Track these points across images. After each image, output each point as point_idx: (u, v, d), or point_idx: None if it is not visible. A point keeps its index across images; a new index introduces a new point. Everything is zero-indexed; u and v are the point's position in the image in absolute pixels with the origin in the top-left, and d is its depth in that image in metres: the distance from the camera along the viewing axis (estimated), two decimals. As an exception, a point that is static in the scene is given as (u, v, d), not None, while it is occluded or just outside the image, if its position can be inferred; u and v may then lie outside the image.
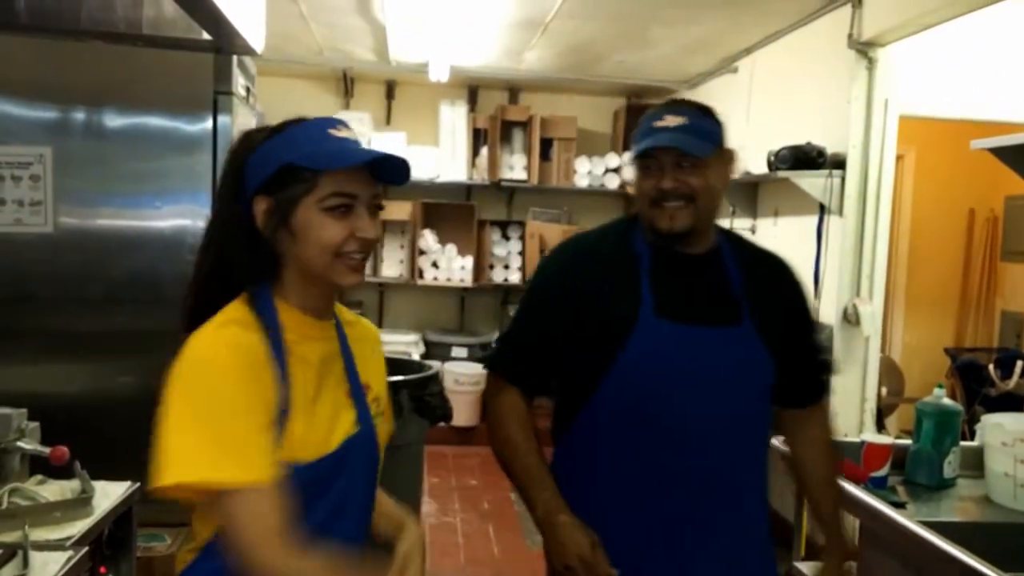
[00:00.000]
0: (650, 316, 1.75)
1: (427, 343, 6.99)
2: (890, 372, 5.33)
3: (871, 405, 4.19)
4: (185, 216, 2.98)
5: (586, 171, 7.10)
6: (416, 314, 7.35)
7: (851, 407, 4.17)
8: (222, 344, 1.30)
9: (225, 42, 2.92)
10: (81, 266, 2.93)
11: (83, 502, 2.04)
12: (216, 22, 2.69)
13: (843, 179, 4.17)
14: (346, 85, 7.09)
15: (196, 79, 2.97)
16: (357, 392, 1.44)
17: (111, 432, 2.88)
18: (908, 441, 2.65)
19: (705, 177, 1.73)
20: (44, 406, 2.32)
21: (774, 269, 1.96)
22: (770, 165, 4.38)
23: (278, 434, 1.28)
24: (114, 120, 2.92)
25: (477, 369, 6.43)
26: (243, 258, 1.37)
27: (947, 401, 2.58)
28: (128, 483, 2.24)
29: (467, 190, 7.28)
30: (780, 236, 4.85)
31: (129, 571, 2.28)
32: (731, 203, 5.22)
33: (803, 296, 1.98)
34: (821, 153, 4.21)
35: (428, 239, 7.01)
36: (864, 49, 4.09)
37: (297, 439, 1.30)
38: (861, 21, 4.09)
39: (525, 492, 1.82)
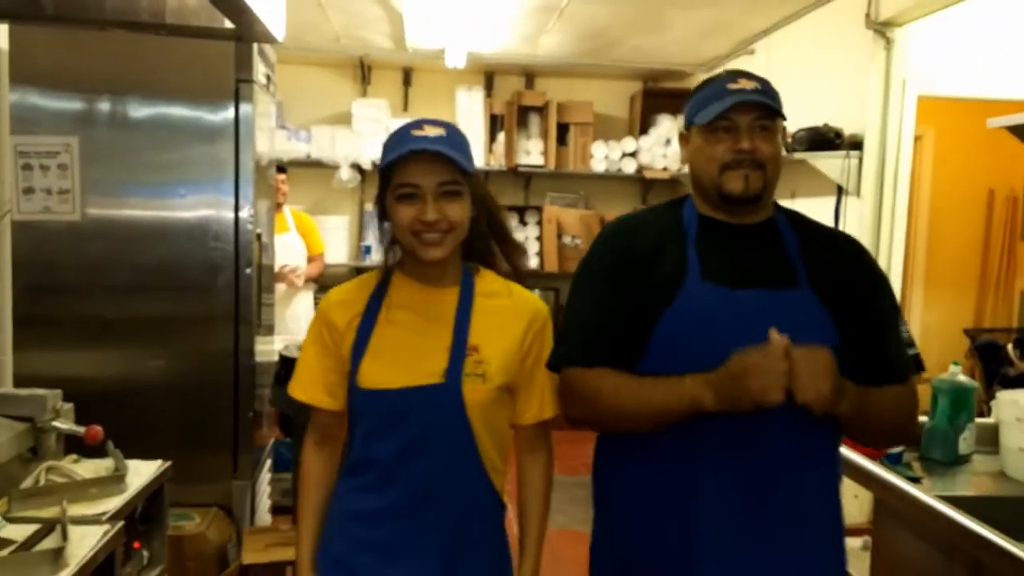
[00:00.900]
0: (696, 280, 1.68)
1: (447, 327, 7.05)
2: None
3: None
4: (209, 204, 3.03)
5: (603, 156, 7.11)
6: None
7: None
8: (323, 302, 1.77)
9: (246, 30, 2.96)
10: (109, 254, 2.99)
11: (117, 479, 2.10)
12: (238, 10, 2.73)
13: (860, 160, 4.18)
14: (363, 72, 7.13)
15: (218, 67, 3.02)
16: (456, 349, 1.66)
17: (141, 414, 2.98)
18: (924, 419, 2.68)
19: (775, 144, 1.71)
20: (76, 390, 2.39)
21: (835, 237, 1.87)
22: (787, 147, 4.40)
23: (355, 365, 1.67)
24: (138, 109, 2.98)
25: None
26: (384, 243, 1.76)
27: (962, 378, 2.61)
28: (159, 461, 2.31)
29: (484, 176, 7.31)
30: (797, 218, 4.86)
31: (161, 546, 2.35)
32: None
33: (873, 269, 1.82)
34: (838, 134, 4.22)
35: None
36: (881, 29, 4.10)
37: (367, 370, 1.66)
38: (878, 1, 4.09)
39: (667, 399, 1.63)
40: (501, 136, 7.01)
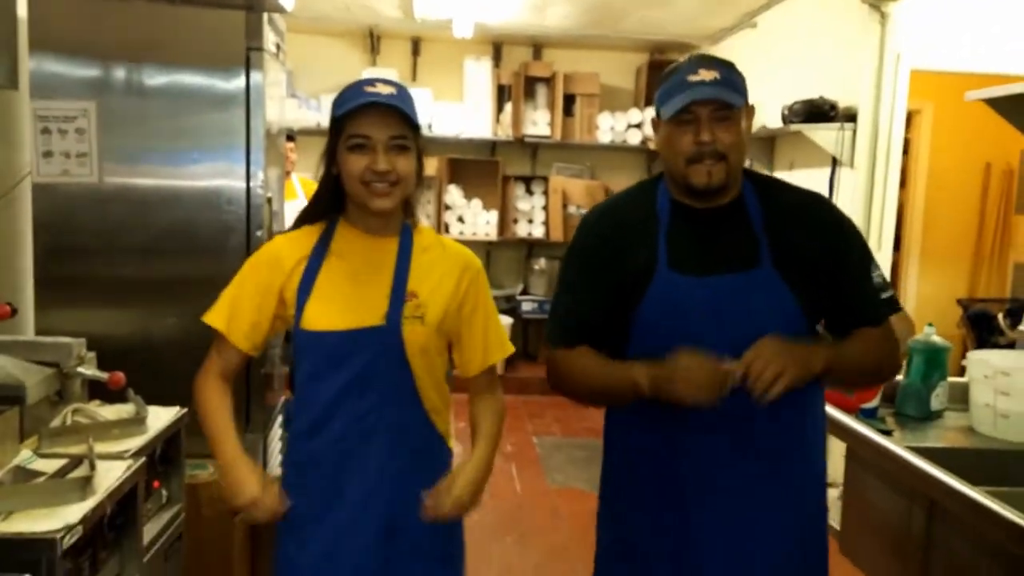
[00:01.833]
0: (664, 270, 1.80)
1: (453, 295, 7.18)
2: (902, 322, 5.46)
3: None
4: (221, 170, 3.14)
5: (608, 127, 7.22)
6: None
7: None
8: (268, 244, 1.88)
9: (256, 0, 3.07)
10: (125, 216, 3.09)
11: (138, 421, 2.26)
12: (249, -20, 2.82)
13: (855, 132, 4.29)
14: (372, 42, 7.23)
15: (229, 36, 3.10)
16: (396, 293, 1.77)
17: (158, 371, 3.09)
18: (900, 377, 2.81)
19: (737, 132, 1.76)
20: (95, 347, 2.52)
21: (803, 206, 1.91)
22: (784, 119, 4.50)
23: (299, 308, 1.76)
24: (153, 77, 3.07)
25: (503, 320, 6.63)
26: (324, 194, 1.85)
27: (936, 339, 2.74)
28: (177, 408, 2.46)
29: (492, 146, 7.43)
30: (794, 188, 4.97)
31: (179, 488, 2.51)
32: (749, 156, 5.34)
33: (840, 228, 1.90)
34: (833, 107, 4.33)
35: (453, 194, 7.18)
36: (876, 4, 4.19)
37: (312, 313, 1.76)
38: (874, -25, 4.18)
39: (619, 381, 1.78)
40: (508, 106, 7.12)
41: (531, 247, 7.57)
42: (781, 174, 5.25)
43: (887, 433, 2.52)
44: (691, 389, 1.66)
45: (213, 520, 2.93)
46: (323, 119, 6.71)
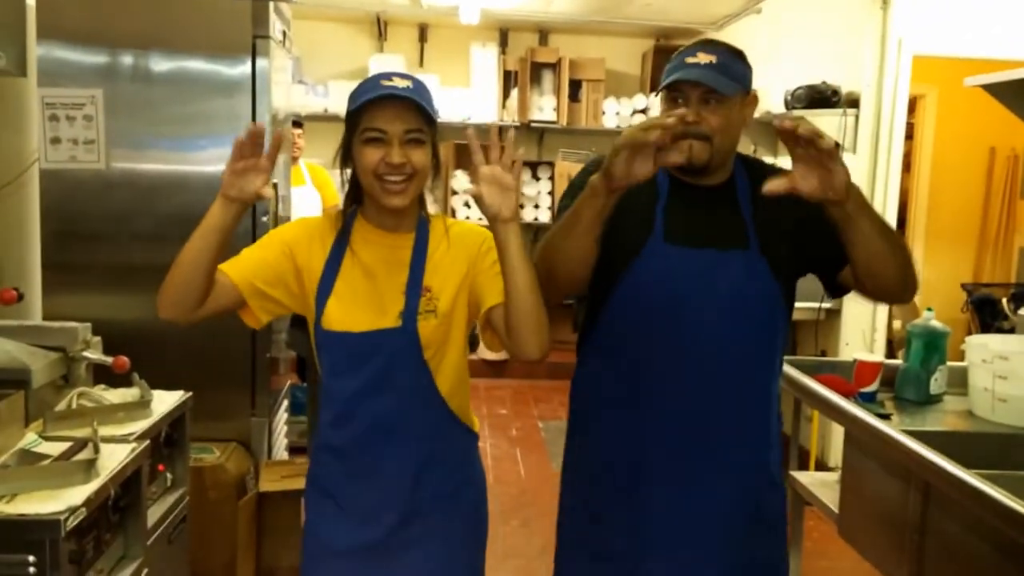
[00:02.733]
0: (659, 240, 1.88)
1: (459, 280, 7.22)
2: (905, 306, 5.47)
3: (881, 335, 4.35)
4: (227, 156, 3.16)
5: (614, 112, 7.22)
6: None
7: (861, 337, 4.33)
8: (294, 222, 1.89)
9: (262, -13, 3.08)
10: (132, 202, 3.13)
11: (143, 405, 2.29)
12: (253, -32, 2.84)
13: (857, 118, 4.29)
14: (380, 28, 7.24)
15: (235, 23, 3.12)
16: (411, 291, 1.76)
17: (163, 356, 3.12)
18: (899, 361, 2.83)
19: (726, 116, 1.80)
20: (102, 332, 2.55)
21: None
22: (786, 104, 4.50)
23: (320, 307, 1.75)
24: (159, 64, 3.11)
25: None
26: (348, 188, 1.83)
27: (935, 323, 2.75)
28: (181, 392, 2.49)
29: (498, 132, 7.42)
30: (798, 174, 4.97)
31: (184, 471, 2.54)
32: (753, 141, 5.34)
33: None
34: (835, 92, 4.32)
35: (460, 179, 7.20)
36: (879, -11, 4.18)
37: (332, 313, 1.75)
38: (878, -40, 4.17)
39: (576, 210, 1.76)
40: (515, 92, 7.12)
41: (537, 232, 7.57)
42: (785, 160, 5.23)
43: (886, 417, 2.53)
44: (627, 144, 1.62)
45: (218, 503, 2.98)
46: (330, 105, 6.74)
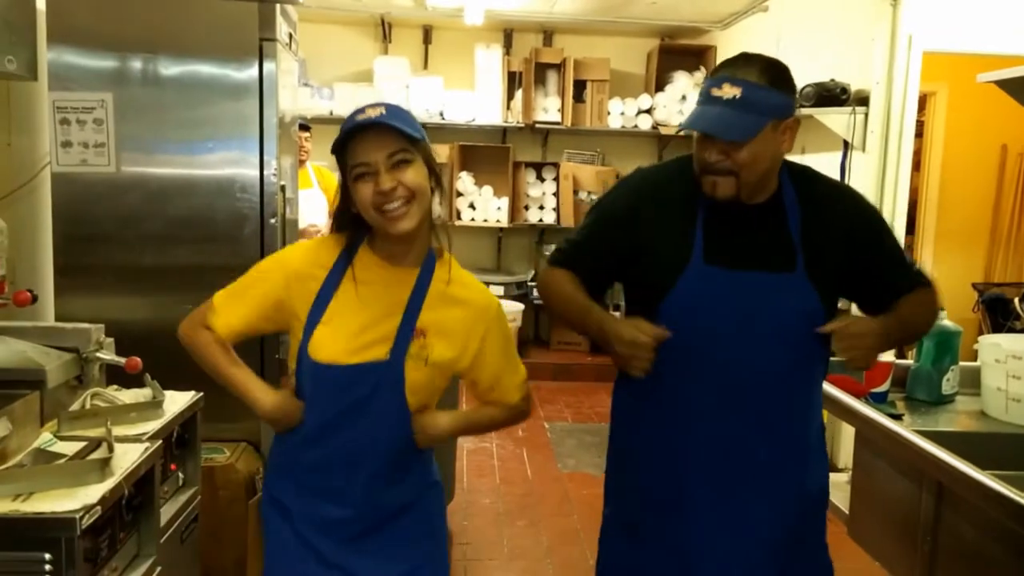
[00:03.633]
0: (699, 261, 1.84)
1: (465, 282, 7.22)
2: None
3: (890, 335, 4.34)
4: (235, 159, 3.17)
5: (619, 112, 7.21)
6: (454, 254, 7.54)
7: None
8: (287, 253, 1.87)
9: (269, -10, 3.09)
10: (142, 205, 3.14)
11: (155, 405, 2.30)
12: (261, -28, 2.84)
13: (866, 116, 4.28)
14: (384, 30, 7.25)
15: (243, 27, 3.13)
16: (403, 330, 1.74)
17: (174, 357, 3.12)
18: (910, 361, 2.83)
19: (752, 151, 1.75)
20: (113, 334, 2.56)
21: (836, 204, 1.93)
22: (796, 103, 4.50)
23: (307, 333, 1.73)
24: (168, 68, 3.11)
25: (514, 306, 6.68)
26: (348, 223, 1.79)
27: (947, 323, 2.74)
28: (192, 392, 2.50)
29: (503, 132, 7.45)
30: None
31: (195, 470, 2.55)
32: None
33: (868, 221, 1.96)
34: (844, 90, 4.32)
35: (465, 181, 7.21)
36: (888, -14, 4.18)
37: (319, 341, 1.73)
38: (886, -42, 4.17)
39: (581, 324, 1.94)
40: (519, 93, 7.12)
41: (542, 233, 7.59)
42: (793, 158, 5.23)
43: (897, 417, 2.53)
44: (622, 362, 1.81)
45: (228, 503, 2.98)
46: (336, 108, 6.75)
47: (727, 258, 1.84)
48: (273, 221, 3.23)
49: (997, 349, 2.61)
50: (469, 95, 7.12)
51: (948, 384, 2.74)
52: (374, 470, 1.78)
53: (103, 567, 1.90)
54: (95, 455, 1.91)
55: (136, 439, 2.10)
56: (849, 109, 4.30)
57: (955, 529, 2.12)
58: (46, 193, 3.12)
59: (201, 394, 2.51)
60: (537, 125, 7.17)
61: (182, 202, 3.15)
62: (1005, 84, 2.79)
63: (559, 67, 7.19)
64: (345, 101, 6.75)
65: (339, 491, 1.79)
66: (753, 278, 1.84)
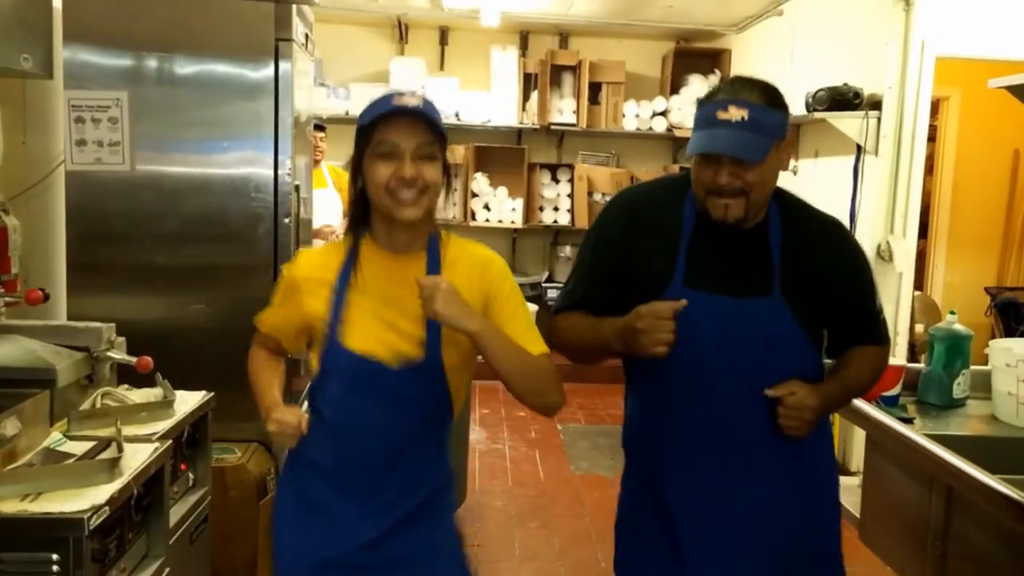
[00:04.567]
0: (679, 284, 1.84)
1: (479, 283, 7.23)
2: (928, 310, 5.44)
3: (903, 338, 4.32)
4: (250, 159, 3.18)
5: (634, 114, 7.21)
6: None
7: (884, 341, 4.31)
8: (291, 267, 1.88)
9: (285, -9, 3.10)
10: (157, 204, 3.15)
11: (166, 404, 2.31)
12: (277, -28, 2.85)
13: (879, 120, 4.26)
14: (401, 31, 7.26)
15: (258, 27, 3.14)
16: (430, 325, 1.72)
17: (186, 356, 3.15)
18: (921, 364, 2.81)
19: (761, 171, 1.76)
20: (125, 332, 2.57)
21: (823, 235, 1.95)
22: (808, 106, 4.48)
23: (332, 332, 1.75)
24: (184, 67, 3.12)
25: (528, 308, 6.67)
26: (353, 207, 1.82)
27: (958, 327, 2.73)
28: (203, 392, 2.51)
29: (518, 134, 7.45)
30: (820, 176, 4.95)
31: (206, 470, 2.56)
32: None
33: (855, 260, 1.97)
34: (857, 94, 4.30)
35: (480, 182, 7.21)
36: (902, -10, 4.16)
37: (348, 335, 1.74)
38: (899, -38, 4.15)
39: (600, 340, 1.90)
40: (535, 95, 7.12)
41: (556, 234, 7.59)
42: (807, 162, 5.23)
43: (908, 421, 2.52)
44: (649, 344, 1.76)
45: (239, 503, 2.99)
46: (352, 108, 6.77)
47: (707, 281, 1.85)
48: (287, 221, 3.24)
49: (1008, 353, 2.59)
50: (485, 96, 7.13)
51: (959, 388, 2.73)
52: (409, 465, 1.79)
53: (111, 568, 1.90)
54: (104, 455, 1.93)
55: (146, 439, 2.11)
56: (862, 113, 4.28)
57: (965, 533, 2.11)
58: (60, 192, 3.13)
59: (212, 394, 2.52)
60: (552, 127, 7.17)
61: (196, 201, 3.16)
62: (1017, 90, 2.77)
63: (575, 69, 7.18)
64: (361, 101, 6.70)
65: (368, 488, 1.79)
66: (728, 303, 1.85)
